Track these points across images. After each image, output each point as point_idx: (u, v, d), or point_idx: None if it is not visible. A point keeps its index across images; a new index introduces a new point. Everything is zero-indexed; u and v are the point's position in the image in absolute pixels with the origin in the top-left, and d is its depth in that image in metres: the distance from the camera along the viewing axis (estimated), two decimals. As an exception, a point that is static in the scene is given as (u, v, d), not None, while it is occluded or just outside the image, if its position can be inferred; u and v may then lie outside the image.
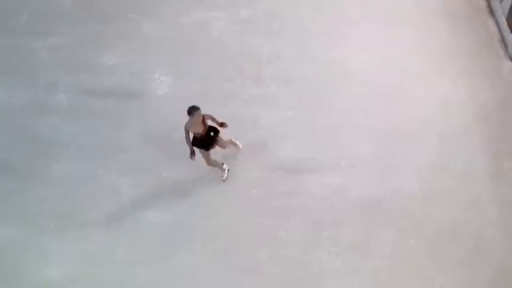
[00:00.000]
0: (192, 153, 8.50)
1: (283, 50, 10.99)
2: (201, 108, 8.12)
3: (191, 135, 8.48)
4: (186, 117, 8.16)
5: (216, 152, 8.84)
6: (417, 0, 12.39)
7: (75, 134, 9.58)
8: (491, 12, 12.18)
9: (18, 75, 10.56)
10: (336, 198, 8.71)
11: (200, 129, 8.44)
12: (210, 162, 8.85)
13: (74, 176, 9.05)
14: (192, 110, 8.11)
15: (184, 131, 8.37)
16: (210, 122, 8.55)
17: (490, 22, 11.94)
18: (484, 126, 9.74)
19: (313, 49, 11.06)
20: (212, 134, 8.59)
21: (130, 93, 10.14)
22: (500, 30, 11.66)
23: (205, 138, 8.60)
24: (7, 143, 9.51)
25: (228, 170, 9.01)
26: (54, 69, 10.61)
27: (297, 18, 11.76)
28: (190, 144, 8.47)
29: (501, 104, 10.13)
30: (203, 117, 8.36)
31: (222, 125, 8.51)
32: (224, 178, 8.98)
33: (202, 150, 8.70)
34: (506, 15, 11.48)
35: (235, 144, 9.23)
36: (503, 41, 11.42)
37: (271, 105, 9.94)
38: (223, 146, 8.95)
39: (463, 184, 8.91)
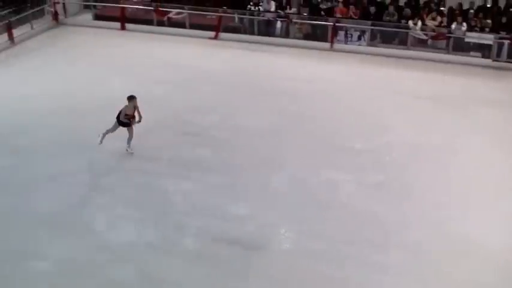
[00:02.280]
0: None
1: (410, 220, 10.85)
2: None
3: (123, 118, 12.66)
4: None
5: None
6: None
7: (194, 279, 9.62)
8: None
9: (149, 213, 11.09)
10: None
11: (131, 112, 12.45)
12: (111, 130, 12.67)
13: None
14: (133, 98, 12.40)
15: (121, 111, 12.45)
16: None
17: None
18: None
19: (441, 222, 10.80)
20: (131, 120, 12.62)
21: (254, 245, 10.27)
22: None
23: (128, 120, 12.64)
24: (128, 279, 9.65)
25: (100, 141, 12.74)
26: (185, 213, 11.09)
27: (426, 188, 11.72)
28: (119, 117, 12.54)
29: None
30: (136, 106, 12.50)
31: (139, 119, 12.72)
32: (99, 140, 12.67)
33: (116, 124, 12.59)
34: None
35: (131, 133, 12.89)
36: None
37: (391, 275, 9.60)
38: (130, 130, 12.76)
39: None
